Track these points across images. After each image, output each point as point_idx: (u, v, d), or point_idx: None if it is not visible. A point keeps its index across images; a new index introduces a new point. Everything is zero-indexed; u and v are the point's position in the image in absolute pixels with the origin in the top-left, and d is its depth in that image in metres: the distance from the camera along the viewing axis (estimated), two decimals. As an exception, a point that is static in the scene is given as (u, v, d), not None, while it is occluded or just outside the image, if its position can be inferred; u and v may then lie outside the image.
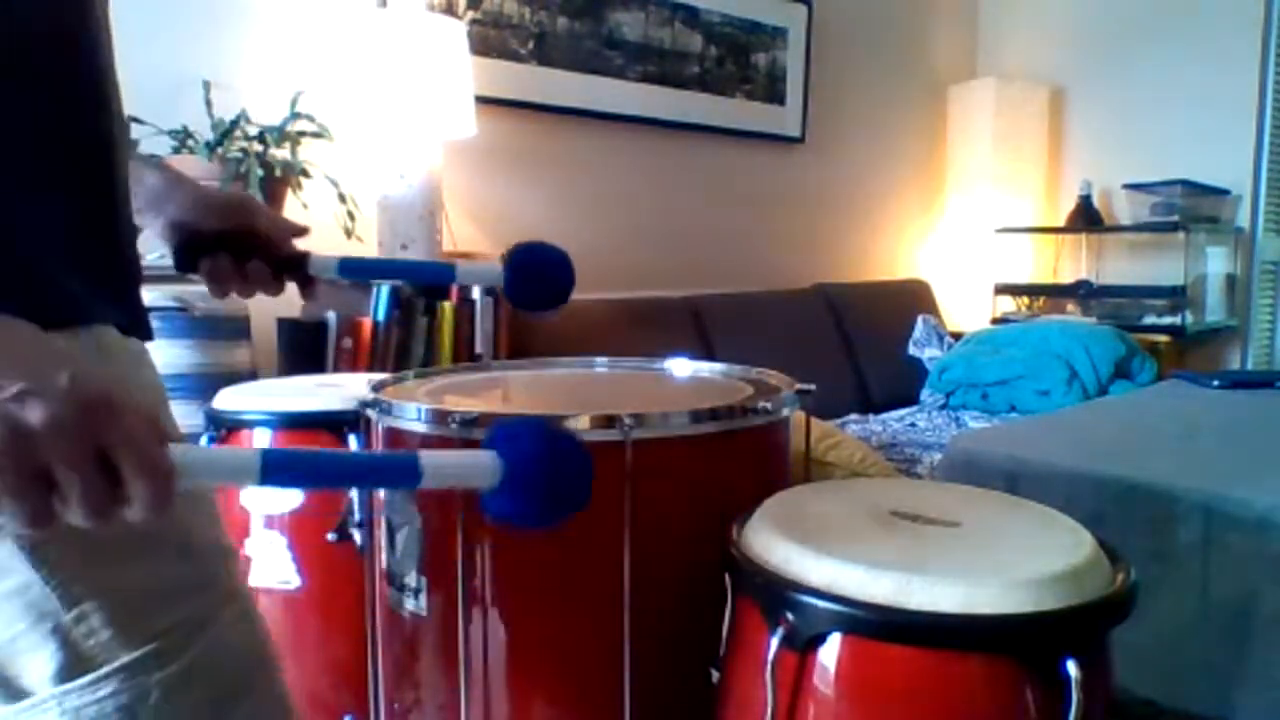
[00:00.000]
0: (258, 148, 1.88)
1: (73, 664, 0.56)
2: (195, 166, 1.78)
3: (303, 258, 0.91)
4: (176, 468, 0.47)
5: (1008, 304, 3.78)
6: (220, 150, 1.83)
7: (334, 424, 1.32)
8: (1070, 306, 3.66)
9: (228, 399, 1.40)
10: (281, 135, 1.93)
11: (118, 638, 0.57)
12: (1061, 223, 3.79)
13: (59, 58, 0.59)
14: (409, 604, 1.07)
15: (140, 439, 0.46)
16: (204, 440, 1.38)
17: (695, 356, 1.45)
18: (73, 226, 0.60)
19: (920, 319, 3.48)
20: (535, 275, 0.92)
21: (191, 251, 0.86)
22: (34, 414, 0.43)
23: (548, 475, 0.59)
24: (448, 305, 2.17)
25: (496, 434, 0.59)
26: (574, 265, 0.93)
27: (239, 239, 0.87)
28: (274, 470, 0.51)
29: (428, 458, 0.56)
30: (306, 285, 0.92)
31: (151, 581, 0.59)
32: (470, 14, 2.49)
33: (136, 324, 0.68)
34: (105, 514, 0.45)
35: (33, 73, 0.56)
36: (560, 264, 0.92)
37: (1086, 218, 3.67)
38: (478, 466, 0.58)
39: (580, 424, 0.98)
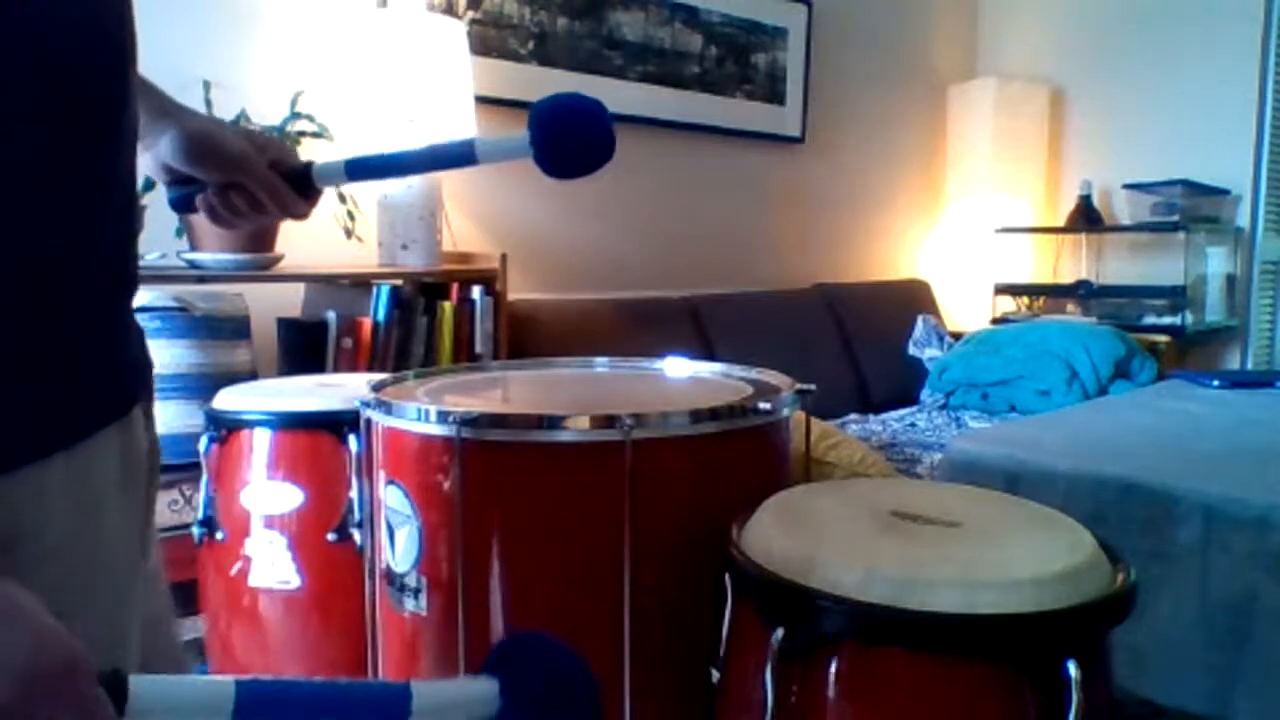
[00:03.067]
0: (258, 148, 1.88)
1: None
2: (195, 166, 1.78)
3: (305, 175, 0.81)
4: (127, 712, 0.45)
5: (1008, 304, 3.78)
6: (220, 150, 1.83)
7: (334, 424, 1.32)
8: (1070, 306, 3.66)
9: (228, 399, 1.39)
10: (281, 135, 1.93)
11: None
12: (1061, 223, 3.79)
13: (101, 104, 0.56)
14: (409, 604, 1.07)
15: (84, 711, 0.43)
16: (204, 441, 1.38)
17: (695, 356, 1.45)
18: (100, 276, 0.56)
19: (920, 319, 3.48)
20: (568, 136, 0.78)
21: (187, 195, 0.79)
22: None
23: (555, 709, 0.56)
24: (448, 305, 2.17)
25: (495, 658, 0.56)
26: (608, 116, 0.79)
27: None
28: (249, 711, 0.47)
29: (420, 694, 0.52)
30: (309, 199, 0.83)
31: None
32: (470, 14, 2.49)
33: (144, 378, 0.64)
34: None
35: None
36: (593, 116, 0.78)
37: (1086, 218, 3.67)
38: (476, 698, 0.55)
39: (580, 424, 0.98)
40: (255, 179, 0.78)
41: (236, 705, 0.47)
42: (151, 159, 0.79)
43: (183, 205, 0.80)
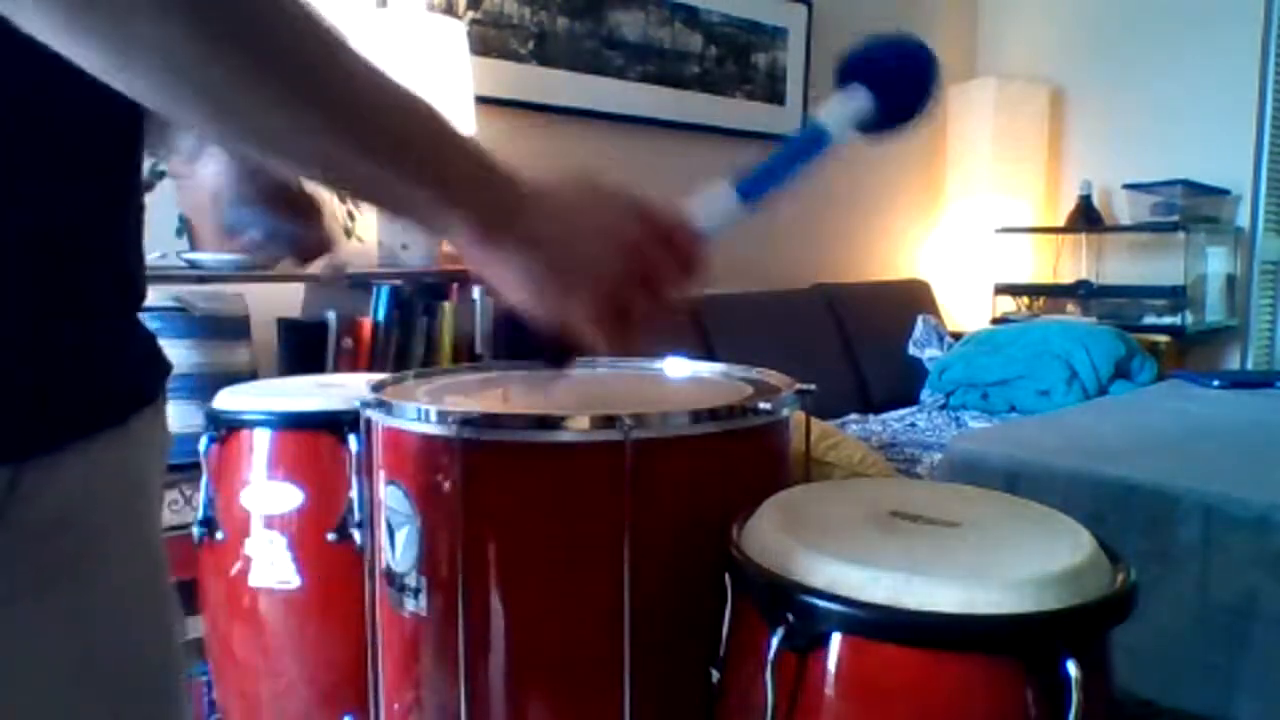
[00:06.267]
0: (258, 148, 1.88)
1: None
2: (195, 166, 1.78)
3: None
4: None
5: (1008, 304, 3.78)
6: (220, 150, 1.83)
7: (334, 424, 1.32)
8: (1070, 306, 3.67)
9: (228, 399, 1.40)
10: (281, 135, 1.92)
11: None
12: (1061, 223, 3.79)
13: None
14: (409, 604, 1.07)
15: (683, 230, 0.67)
16: (204, 441, 1.38)
17: (695, 356, 1.45)
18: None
19: (920, 319, 3.48)
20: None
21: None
22: (630, 233, 0.61)
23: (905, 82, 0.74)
24: (448, 305, 2.17)
25: (851, 66, 0.74)
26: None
27: None
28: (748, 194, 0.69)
29: (824, 121, 0.72)
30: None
31: None
32: (470, 14, 2.49)
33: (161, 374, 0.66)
34: (681, 291, 0.65)
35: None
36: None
37: (1086, 218, 3.67)
38: (856, 102, 0.73)
39: (580, 424, 0.98)
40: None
41: (739, 194, 0.72)
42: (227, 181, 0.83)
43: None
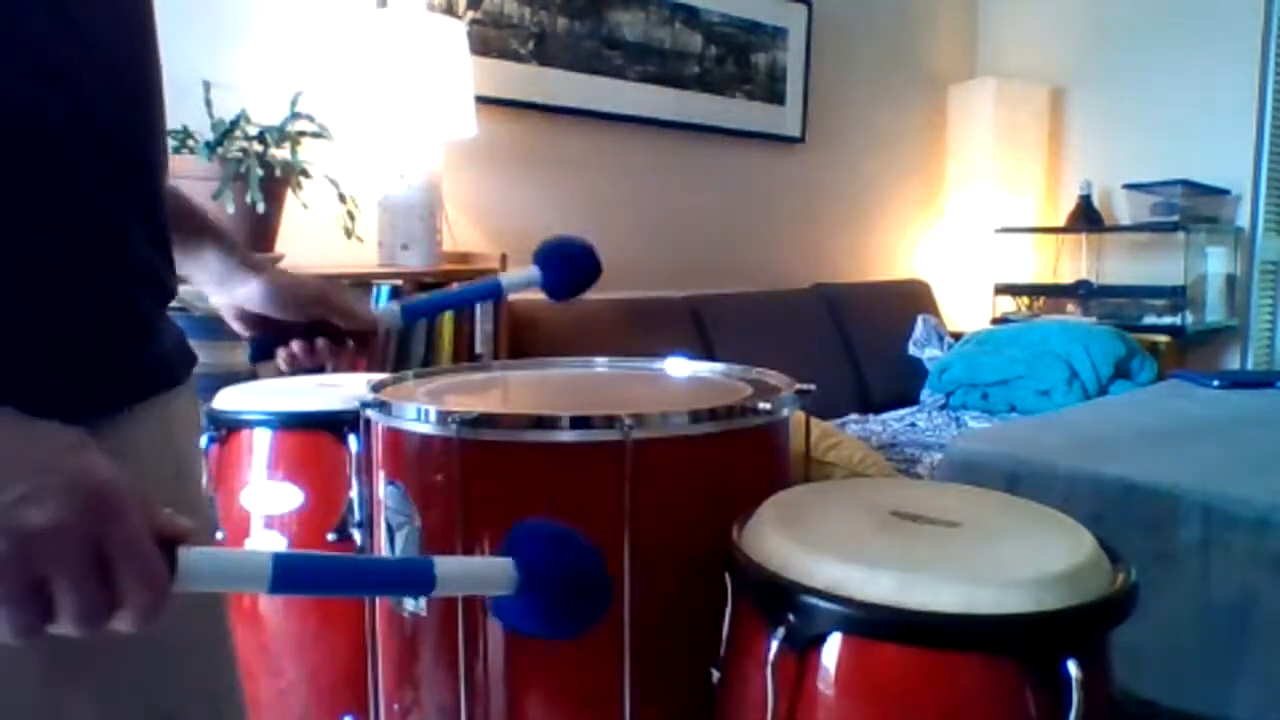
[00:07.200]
0: (258, 148, 1.88)
1: None
2: (195, 167, 1.78)
3: (371, 329, 0.93)
4: (177, 575, 0.45)
5: (1008, 304, 3.77)
6: (220, 150, 1.83)
7: (334, 424, 1.32)
8: (1070, 306, 3.66)
9: (228, 399, 1.40)
10: (281, 135, 1.92)
11: None
12: (1061, 223, 3.79)
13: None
14: (409, 604, 1.07)
15: (141, 548, 0.43)
16: (204, 440, 1.38)
17: (695, 356, 1.45)
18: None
19: (920, 319, 3.48)
20: (568, 269, 1.02)
21: (266, 344, 0.89)
22: (34, 519, 0.39)
23: (567, 588, 0.59)
24: (448, 305, 2.17)
25: (510, 542, 0.58)
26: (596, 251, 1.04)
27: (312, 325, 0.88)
28: (284, 579, 0.50)
29: (442, 565, 0.55)
30: (368, 347, 0.95)
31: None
32: (470, 14, 2.49)
33: (185, 358, 0.70)
34: (96, 625, 0.42)
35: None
36: (588, 253, 1.03)
37: (1087, 218, 3.67)
38: (494, 575, 0.57)
39: (580, 424, 0.98)
40: (334, 309, 0.88)
41: (273, 575, 0.49)
42: (229, 304, 0.88)
43: (262, 355, 0.90)
